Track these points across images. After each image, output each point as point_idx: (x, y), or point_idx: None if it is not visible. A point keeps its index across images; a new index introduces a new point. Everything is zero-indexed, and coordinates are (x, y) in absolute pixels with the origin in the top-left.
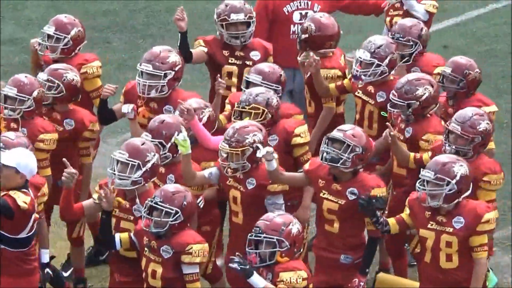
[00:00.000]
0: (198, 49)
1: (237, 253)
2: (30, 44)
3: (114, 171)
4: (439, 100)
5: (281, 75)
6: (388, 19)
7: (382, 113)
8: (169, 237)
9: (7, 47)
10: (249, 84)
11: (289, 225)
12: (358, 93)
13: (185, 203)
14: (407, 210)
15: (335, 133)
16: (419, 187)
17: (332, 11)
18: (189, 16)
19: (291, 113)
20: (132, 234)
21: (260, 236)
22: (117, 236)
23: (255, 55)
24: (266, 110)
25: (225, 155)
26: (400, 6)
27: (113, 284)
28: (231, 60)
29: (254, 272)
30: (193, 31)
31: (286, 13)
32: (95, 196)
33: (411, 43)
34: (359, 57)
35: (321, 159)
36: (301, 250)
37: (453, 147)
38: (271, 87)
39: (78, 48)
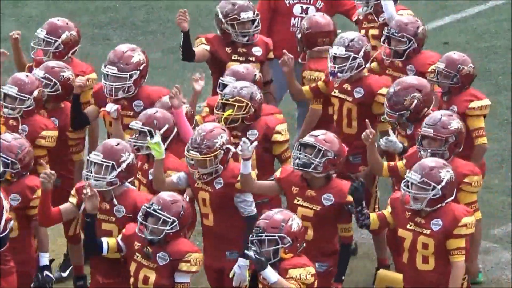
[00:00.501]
0: (200, 47)
1: (252, 241)
2: (9, 38)
3: (91, 173)
4: (436, 95)
5: (255, 75)
6: (363, 31)
7: (382, 118)
8: (164, 244)
9: (7, 44)
10: (224, 87)
11: (288, 221)
12: (335, 92)
13: (182, 212)
14: (389, 208)
15: (307, 138)
16: (403, 189)
17: (331, 13)
18: (189, 13)
19: (272, 112)
20: (119, 239)
21: (261, 235)
22: (105, 240)
23: (257, 50)
24: (249, 103)
25: (192, 162)
26: (374, 18)
27: (95, 286)
28: (234, 57)
29: (268, 265)
30: (195, 28)
31: (288, 4)
32: (72, 200)
33: (405, 39)
34: (334, 53)
35: (293, 165)
36: (304, 244)
37: (429, 150)
38: None
39: (71, 52)
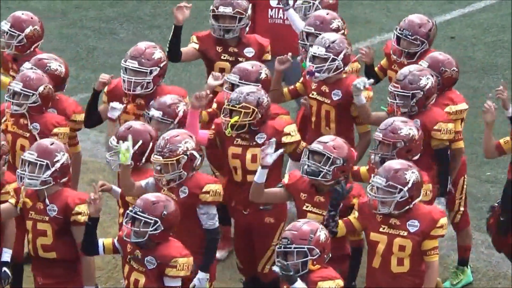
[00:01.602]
0: (189, 46)
1: (277, 259)
2: None
3: (25, 172)
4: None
5: (261, 73)
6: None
7: (382, 107)
8: (153, 247)
9: None
10: (231, 85)
11: (316, 232)
12: (313, 94)
13: (165, 212)
14: (355, 213)
15: (315, 145)
16: (369, 194)
17: None
18: (194, 11)
19: (278, 113)
20: (115, 240)
21: (290, 247)
22: (101, 241)
23: (249, 51)
24: (256, 109)
25: (158, 168)
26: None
27: (36, 286)
28: (224, 56)
29: (298, 278)
30: (200, 27)
31: None
32: (11, 200)
33: (418, 42)
34: (314, 52)
35: (302, 172)
36: (330, 255)
37: (378, 155)
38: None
39: (34, 46)
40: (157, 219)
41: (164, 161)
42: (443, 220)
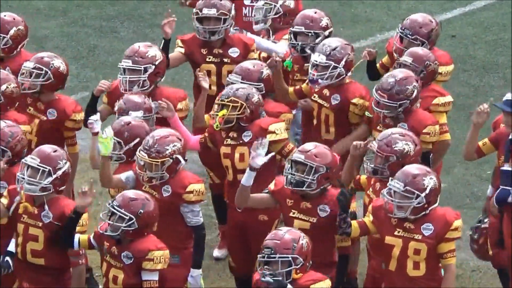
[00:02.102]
0: (175, 51)
1: (266, 267)
2: None
3: (24, 175)
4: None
5: (262, 72)
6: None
7: (366, 113)
8: (129, 243)
9: None
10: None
11: (299, 241)
12: (314, 97)
13: (141, 211)
14: (370, 217)
15: (297, 155)
16: (386, 197)
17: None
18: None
19: (281, 111)
20: (91, 237)
21: (274, 257)
22: (77, 236)
23: (233, 51)
24: (244, 104)
25: (142, 163)
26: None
27: None
28: (209, 58)
29: (288, 285)
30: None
31: None
32: (3, 200)
33: (418, 42)
34: (315, 60)
35: (286, 184)
36: (311, 263)
37: (372, 166)
38: (251, 86)
39: (20, 46)
40: (132, 216)
41: (149, 160)
42: (458, 223)
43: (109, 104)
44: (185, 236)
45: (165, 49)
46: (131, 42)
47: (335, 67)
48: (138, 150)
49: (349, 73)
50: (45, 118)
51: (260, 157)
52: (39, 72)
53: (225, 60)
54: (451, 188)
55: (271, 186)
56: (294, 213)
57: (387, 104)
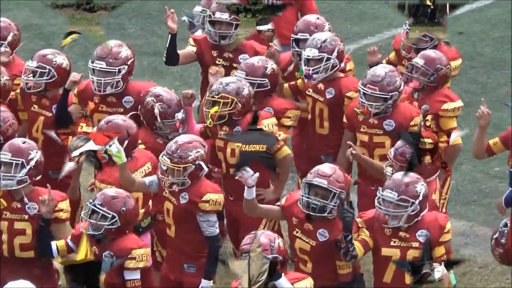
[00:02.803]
0: (187, 48)
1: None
2: None
3: None
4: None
5: (266, 67)
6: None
7: (355, 108)
8: (109, 242)
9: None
10: None
11: (274, 241)
12: (309, 91)
13: (124, 208)
14: (365, 232)
15: (318, 180)
16: (380, 208)
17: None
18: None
19: (287, 107)
20: (68, 240)
21: None
22: (54, 244)
23: (243, 58)
24: (235, 99)
25: (164, 168)
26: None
27: None
28: (219, 61)
29: (283, 274)
30: None
31: None
32: None
33: (427, 38)
34: (307, 55)
35: (303, 207)
36: (289, 261)
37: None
38: (255, 81)
39: (14, 51)
40: (115, 214)
41: (171, 165)
42: (449, 225)
43: (79, 104)
44: (202, 245)
45: (173, 44)
46: (139, 39)
47: (328, 59)
48: (161, 155)
49: (342, 64)
50: (50, 114)
51: (250, 177)
52: (42, 71)
53: (234, 65)
54: (459, 185)
55: (283, 201)
56: (297, 232)
57: (379, 96)
